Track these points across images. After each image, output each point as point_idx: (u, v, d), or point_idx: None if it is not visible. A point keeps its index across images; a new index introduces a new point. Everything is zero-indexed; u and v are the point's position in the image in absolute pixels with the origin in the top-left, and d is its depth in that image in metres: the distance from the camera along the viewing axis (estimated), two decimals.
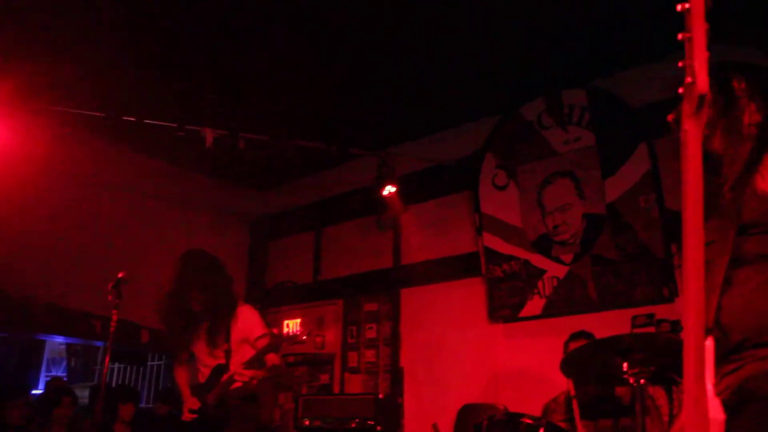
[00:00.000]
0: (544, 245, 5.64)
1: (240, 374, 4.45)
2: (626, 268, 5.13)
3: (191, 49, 5.34)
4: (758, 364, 1.50)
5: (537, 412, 4.44)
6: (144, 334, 7.04)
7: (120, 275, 4.49)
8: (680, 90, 1.38)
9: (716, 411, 1.45)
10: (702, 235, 1.37)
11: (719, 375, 1.55)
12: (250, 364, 4.51)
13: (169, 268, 4.89)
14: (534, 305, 5.60)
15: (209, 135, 5.50)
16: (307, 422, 6.06)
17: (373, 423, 5.57)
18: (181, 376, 4.86)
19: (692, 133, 1.39)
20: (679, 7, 1.30)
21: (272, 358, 4.60)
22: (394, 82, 5.84)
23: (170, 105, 6.00)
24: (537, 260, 5.65)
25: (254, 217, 8.34)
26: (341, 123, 6.49)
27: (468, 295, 6.16)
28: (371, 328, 6.97)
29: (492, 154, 6.14)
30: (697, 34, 1.33)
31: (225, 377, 4.60)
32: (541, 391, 5.01)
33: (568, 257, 5.48)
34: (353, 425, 5.72)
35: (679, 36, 1.34)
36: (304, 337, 6.52)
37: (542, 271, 5.60)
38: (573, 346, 4.37)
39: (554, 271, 5.54)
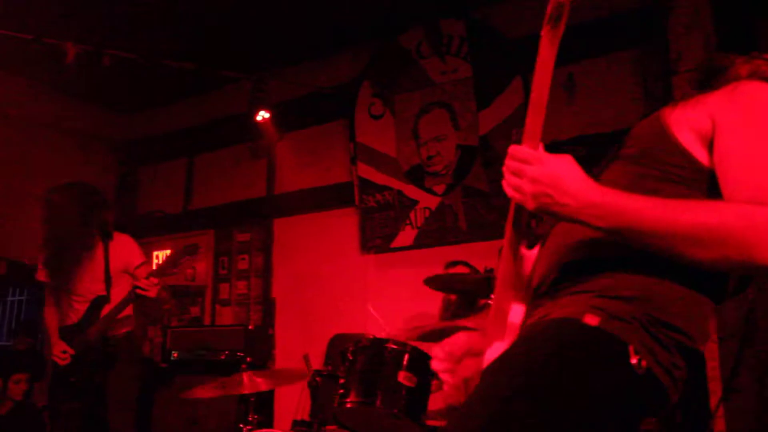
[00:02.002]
0: (417, 176, 5.64)
1: (148, 285, 4.20)
2: (496, 200, 5.19)
3: None
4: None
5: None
6: (1, 266, 6.60)
7: None
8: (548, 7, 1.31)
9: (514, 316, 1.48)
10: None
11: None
12: (159, 273, 4.33)
13: (32, 197, 4.54)
14: (406, 236, 5.62)
15: (71, 49, 5.11)
16: (175, 354, 5.92)
17: (243, 354, 5.48)
18: (51, 318, 4.52)
19: (544, 41, 1.35)
20: None
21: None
22: (272, 4, 5.58)
23: (28, 14, 5.50)
24: (410, 191, 5.65)
25: (123, 142, 7.91)
26: (215, 45, 6.16)
27: (341, 226, 6.12)
28: (243, 259, 6.83)
29: (369, 83, 6.04)
30: None
31: (108, 309, 4.37)
32: (411, 322, 5.06)
33: (440, 188, 5.50)
34: (222, 357, 5.63)
35: None
36: (175, 270, 6.29)
37: (415, 202, 5.61)
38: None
39: (426, 201, 5.55)
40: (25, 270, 4.99)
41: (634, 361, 1.28)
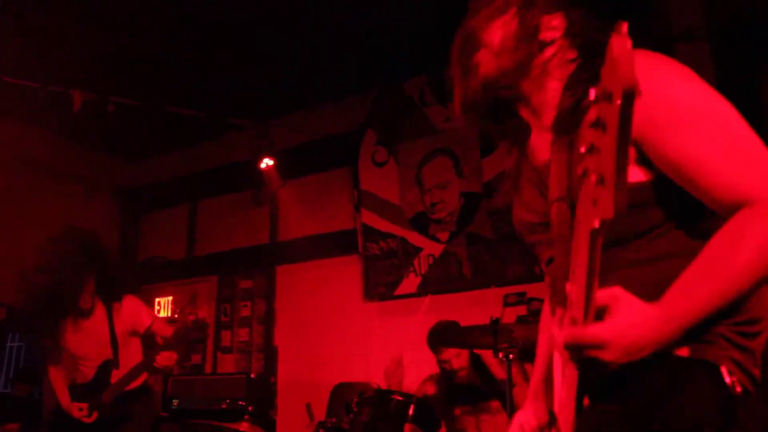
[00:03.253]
0: (421, 223, 5.63)
1: (165, 360, 4.18)
2: (500, 247, 5.18)
3: (59, 6, 4.93)
4: None
5: (409, 389, 4.42)
6: (1, 312, 6.56)
7: None
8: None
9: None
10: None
11: None
12: (169, 347, 4.24)
13: (37, 244, 4.39)
14: (409, 283, 5.59)
15: (77, 98, 5.15)
16: (176, 403, 5.84)
17: (244, 403, 5.40)
18: (58, 378, 4.35)
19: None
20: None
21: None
22: (276, 52, 5.64)
23: (34, 64, 5.56)
24: (414, 238, 5.64)
25: (125, 188, 7.93)
26: (219, 93, 6.22)
27: (344, 273, 6.09)
28: (245, 305, 6.78)
29: (372, 130, 6.08)
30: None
31: (117, 373, 4.26)
32: (415, 370, 5.00)
33: (444, 235, 5.48)
34: (224, 406, 5.55)
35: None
36: (176, 316, 6.25)
37: (419, 249, 5.59)
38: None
39: (430, 249, 5.53)
40: (25, 316, 4.91)
41: (728, 381, 1.30)
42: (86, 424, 4.19)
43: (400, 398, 3.46)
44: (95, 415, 4.16)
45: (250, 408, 4.17)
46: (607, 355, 1.21)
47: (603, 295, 1.21)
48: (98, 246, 4.39)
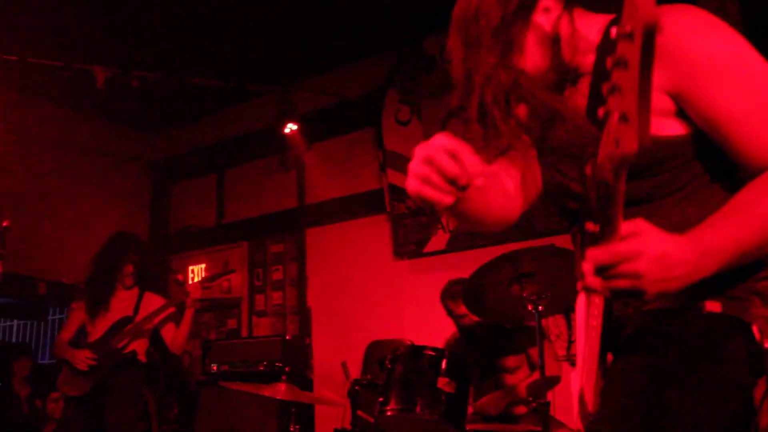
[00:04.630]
0: None
1: (196, 288, 4.68)
2: None
3: None
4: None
5: (442, 345, 4.48)
6: (41, 287, 6.72)
7: (4, 224, 4.19)
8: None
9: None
10: None
11: None
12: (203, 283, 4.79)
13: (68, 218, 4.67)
14: (438, 240, 5.62)
15: (100, 74, 5.20)
16: (214, 367, 5.96)
17: (281, 365, 5.50)
18: (64, 346, 4.65)
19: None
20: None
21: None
22: (294, 17, 5.63)
23: (56, 43, 5.61)
24: None
25: (154, 161, 8.02)
26: (240, 60, 6.23)
27: (373, 233, 6.13)
28: (277, 269, 6.88)
29: (395, 89, 6.06)
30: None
31: (135, 321, 4.59)
32: (446, 326, 5.05)
33: None
34: (261, 368, 5.66)
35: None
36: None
37: None
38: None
39: None
40: (64, 289, 5.07)
41: (758, 337, 1.30)
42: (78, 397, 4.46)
43: (433, 353, 3.50)
44: (93, 363, 4.42)
45: (287, 369, 4.23)
46: (640, 266, 1.14)
47: (627, 225, 1.16)
48: (137, 242, 4.90)
